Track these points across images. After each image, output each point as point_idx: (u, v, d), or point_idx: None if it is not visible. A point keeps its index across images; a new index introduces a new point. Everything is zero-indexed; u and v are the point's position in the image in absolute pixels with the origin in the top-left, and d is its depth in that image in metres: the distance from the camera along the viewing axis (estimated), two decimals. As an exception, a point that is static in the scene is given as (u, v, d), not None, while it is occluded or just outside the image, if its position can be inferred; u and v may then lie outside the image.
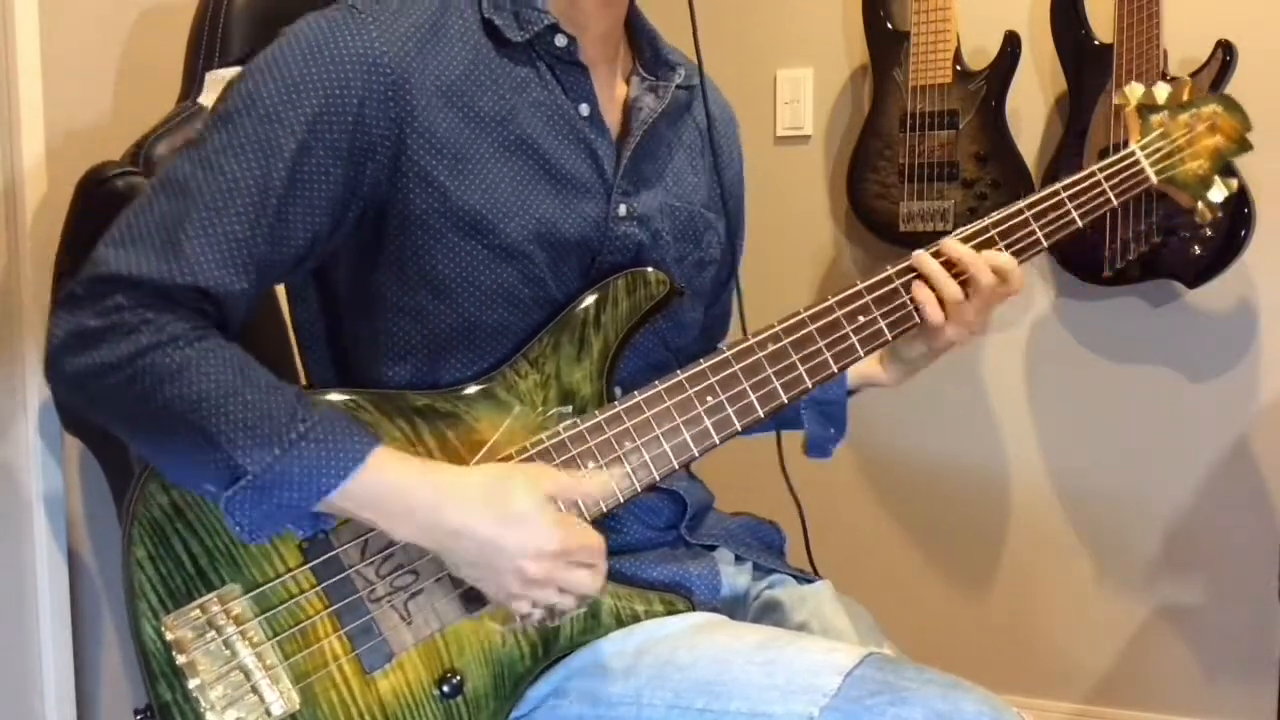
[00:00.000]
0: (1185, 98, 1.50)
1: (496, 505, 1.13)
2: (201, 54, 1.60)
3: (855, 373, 1.52)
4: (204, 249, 1.14)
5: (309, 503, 1.11)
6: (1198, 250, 2.43)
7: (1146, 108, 1.50)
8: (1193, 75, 2.35)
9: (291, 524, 1.14)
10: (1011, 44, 2.59)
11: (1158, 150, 1.48)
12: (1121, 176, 1.45)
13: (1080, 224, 1.43)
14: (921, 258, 1.35)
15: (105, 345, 1.12)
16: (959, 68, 2.62)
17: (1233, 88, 2.32)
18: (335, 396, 1.22)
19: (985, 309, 1.38)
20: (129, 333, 1.11)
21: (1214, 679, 2.65)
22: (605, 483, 1.21)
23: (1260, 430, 2.58)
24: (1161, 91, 1.50)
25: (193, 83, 1.61)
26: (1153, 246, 2.44)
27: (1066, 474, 2.76)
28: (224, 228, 1.15)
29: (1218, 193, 1.51)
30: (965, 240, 1.37)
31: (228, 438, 1.09)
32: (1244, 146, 1.52)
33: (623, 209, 1.32)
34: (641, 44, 1.40)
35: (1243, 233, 2.40)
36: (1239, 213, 2.38)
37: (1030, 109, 2.69)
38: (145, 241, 1.14)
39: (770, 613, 1.41)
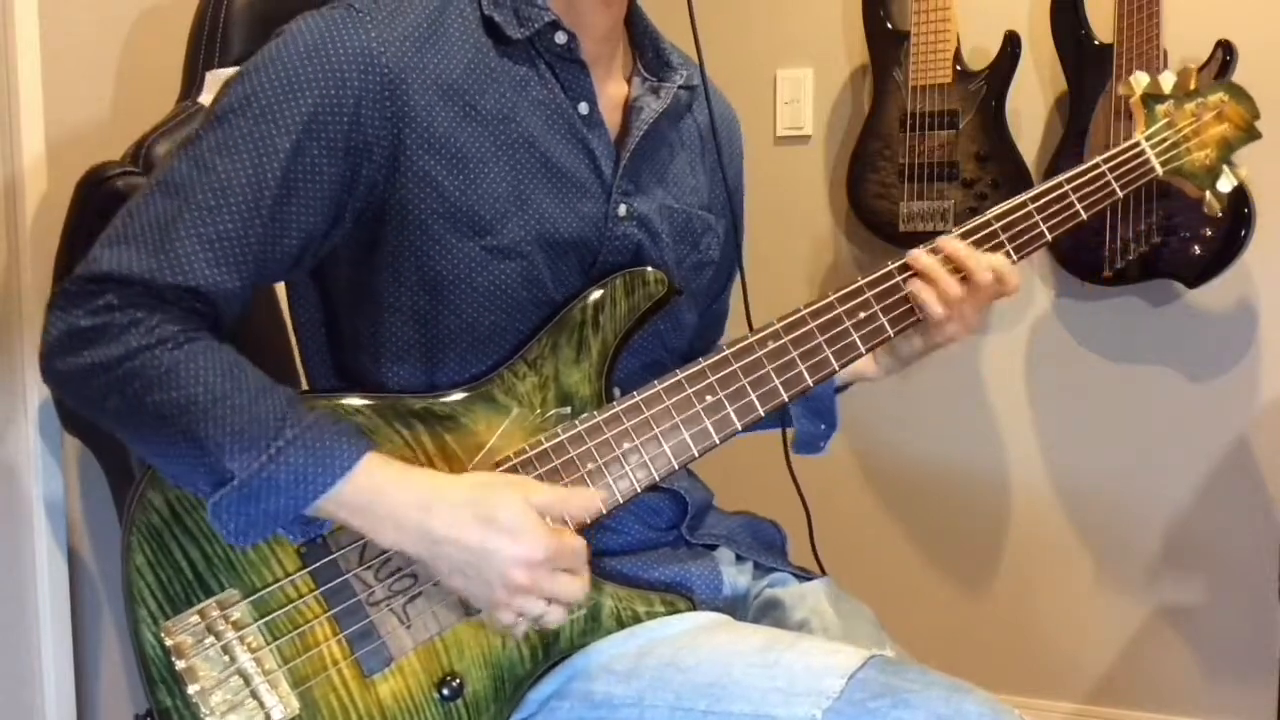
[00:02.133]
0: (1191, 86, 1.49)
1: (483, 514, 1.13)
2: (201, 54, 1.60)
3: (845, 371, 1.52)
4: (196, 248, 1.14)
5: (295, 509, 1.12)
6: (1198, 250, 2.43)
7: (1152, 97, 1.47)
8: (1196, 70, 2.35)
9: (281, 529, 1.14)
10: (1011, 44, 2.59)
11: (1163, 140, 1.46)
12: (1126, 167, 1.44)
13: (1084, 216, 1.41)
14: (917, 256, 1.35)
15: (95, 346, 1.12)
16: (959, 68, 2.62)
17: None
18: (333, 401, 1.22)
19: (984, 305, 1.38)
20: (119, 334, 1.12)
21: (1214, 679, 2.65)
22: (591, 498, 1.21)
23: (1260, 430, 2.58)
24: (1167, 80, 1.48)
25: (193, 83, 1.61)
26: (1153, 246, 2.44)
27: (1066, 474, 2.76)
28: (217, 227, 1.15)
29: (1226, 183, 1.49)
30: (968, 234, 1.36)
31: (215, 442, 1.09)
32: (1252, 135, 1.50)
33: (622, 209, 1.32)
34: (643, 44, 1.40)
35: (1243, 233, 2.40)
36: (1239, 212, 2.38)
37: (1030, 109, 2.69)
38: (138, 240, 1.15)
39: (770, 611, 1.41)
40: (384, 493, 1.13)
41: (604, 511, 1.22)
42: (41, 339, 1.16)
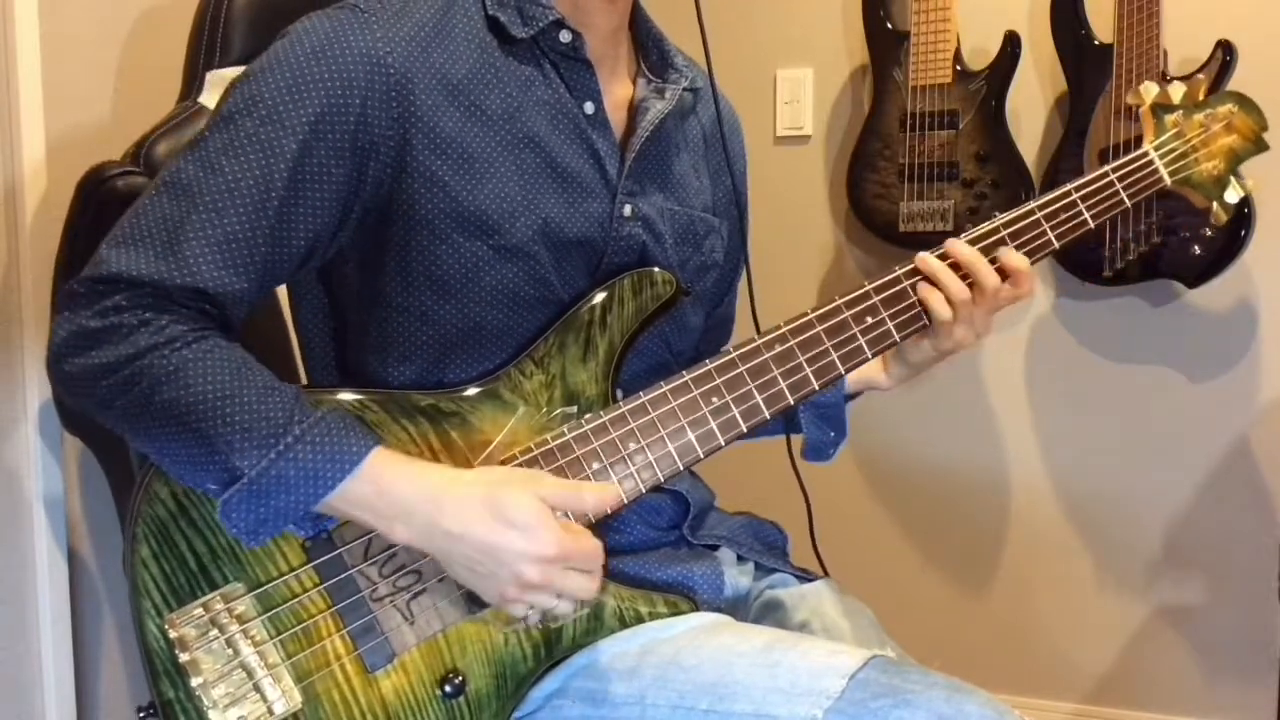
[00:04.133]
0: (1201, 96, 1.49)
1: (494, 510, 1.12)
2: (201, 54, 1.60)
3: (854, 376, 1.50)
4: (204, 250, 1.14)
5: (306, 505, 1.11)
6: (1198, 250, 2.43)
7: (1161, 107, 1.48)
8: (1192, 75, 2.35)
9: (292, 525, 1.14)
10: (1011, 44, 2.59)
11: (1172, 150, 1.46)
12: (1135, 177, 1.44)
13: (1092, 225, 1.41)
14: (926, 259, 1.35)
15: (104, 346, 1.12)
16: (959, 68, 2.62)
17: (1232, 88, 2.32)
18: (340, 396, 1.22)
19: (992, 310, 1.38)
20: (128, 334, 1.12)
21: (1214, 679, 2.65)
22: (604, 493, 1.20)
23: (1260, 430, 2.58)
24: (1177, 91, 1.48)
25: (193, 83, 1.61)
26: (1153, 246, 2.44)
27: (1066, 474, 2.76)
28: (225, 229, 1.15)
29: (1233, 194, 1.50)
30: (976, 240, 1.36)
31: (225, 440, 1.09)
32: (1260, 146, 1.50)
33: (627, 209, 1.32)
34: (647, 45, 1.40)
35: (1243, 233, 2.40)
36: (1239, 213, 2.38)
37: (1030, 109, 2.69)
38: (146, 242, 1.14)
39: (771, 612, 1.41)
40: (394, 488, 1.13)
41: (625, 502, 1.22)
42: (49, 341, 1.16)
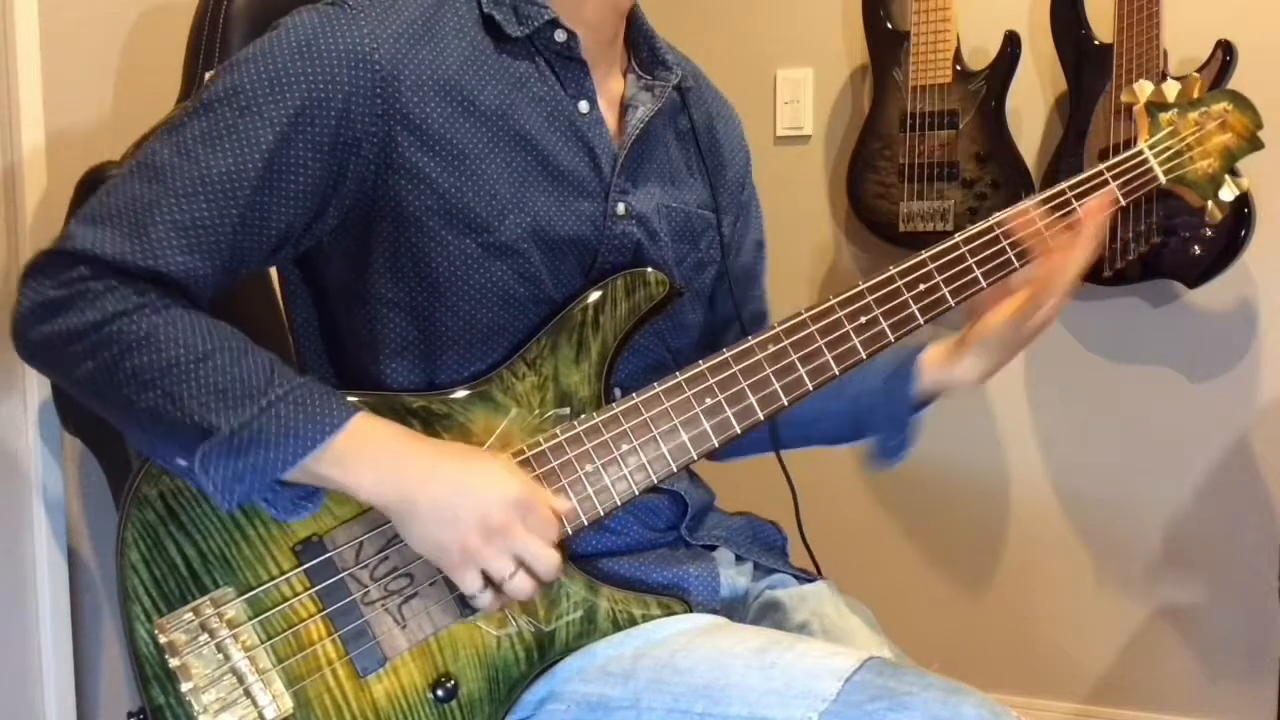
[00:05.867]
0: (1195, 95, 1.48)
1: (464, 453, 1.16)
2: (201, 54, 1.60)
3: (929, 377, 1.48)
4: (169, 234, 1.14)
5: (284, 463, 1.11)
6: (1198, 250, 2.43)
7: (1156, 105, 1.47)
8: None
9: (266, 498, 1.14)
10: (1011, 44, 2.58)
11: (1167, 149, 1.46)
12: (1129, 175, 1.43)
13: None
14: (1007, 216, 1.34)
15: (69, 313, 1.12)
16: (959, 68, 2.61)
17: (1232, 88, 2.32)
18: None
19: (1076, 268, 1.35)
20: (94, 299, 1.12)
21: (1214, 679, 2.65)
22: (569, 505, 1.21)
23: (1260, 430, 2.58)
24: (1171, 89, 1.48)
25: (193, 83, 1.61)
26: (1153, 246, 2.44)
27: (1066, 474, 2.76)
28: (192, 214, 1.15)
29: (1228, 192, 1.49)
30: (969, 240, 1.35)
31: (200, 401, 1.09)
32: (1255, 145, 1.50)
33: (621, 207, 1.32)
34: (638, 42, 1.40)
35: (1243, 233, 2.40)
36: (1239, 213, 2.38)
37: (1030, 109, 2.69)
38: (114, 221, 1.15)
39: (770, 613, 1.41)
40: (367, 447, 1.13)
41: (584, 522, 1.22)
42: (14, 311, 1.16)
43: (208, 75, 1.56)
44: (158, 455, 1.16)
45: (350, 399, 1.21)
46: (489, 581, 1.16)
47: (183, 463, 1.12)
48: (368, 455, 1.13)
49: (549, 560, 1.16)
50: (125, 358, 1.11)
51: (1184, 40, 2.42)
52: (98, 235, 1.14)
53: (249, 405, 1.10)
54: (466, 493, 1.13)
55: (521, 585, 1.16)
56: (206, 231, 1.16)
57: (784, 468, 1.51)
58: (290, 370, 1.14)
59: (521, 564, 1.15)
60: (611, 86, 1.37)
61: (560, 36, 1.29)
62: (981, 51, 2.64)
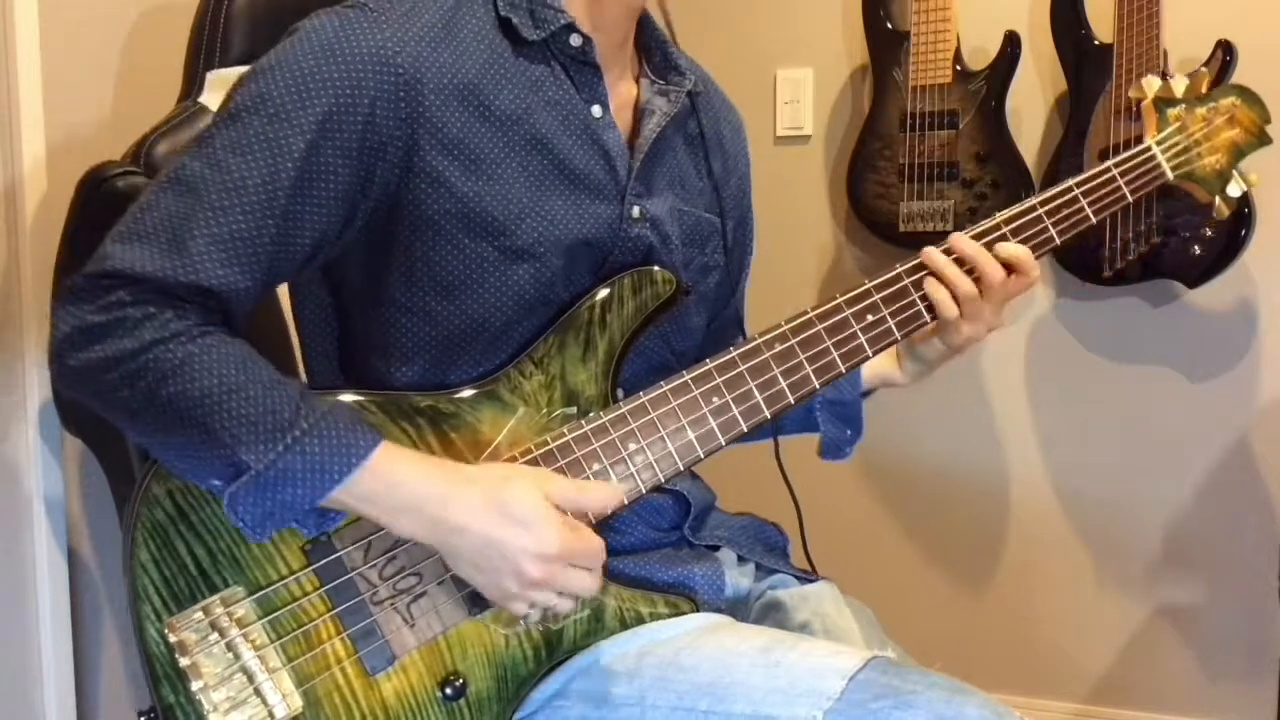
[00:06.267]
0: (1203, 90, 1.48)
1: (499, 506, 1.13)
2: (201, 54, 1.59)
3: (870, 372, 1.52)
4: (209, 248, 1.14)
5: (313, 498, 1.11)
6: (1198, 250, 2.43)
7: (1163, 101, 1.47)
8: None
9: (296, 521, 1.14)
10: (1011, 44, 2.59)
11: (1174, 145, 1.46)
12: (1137, 171, 1.44)
13: (1094, 220, 1.41)
14: (932, 254, 1.34)
15: (109, 340, 1.11)
16: (959, 68, 2.62)
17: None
18: (339, 398, 1.22)
19: (1001, 303, 1.38)
20: (133, 327, 1.11)
21: (1214, 679, 2.65)
22: (607, 492, 1.21)
23: (1260, 430, 2.58)
24: (1179, 84, 1.47)
25: (193, 83, 1.61)
26: (1153, 246, 2.44)
27: (1066, 474, 2.77)
28: (229, 227, 1.14)
29: (1235, 188, 1.49)
30: (979, 236, 1.36)
31: (231, 434, 1.09)
32: (1263, 140, 1.50)
33: (636, 211, 1.32)
34: (650, 46, 1.40)
35: (1243, 233, 2.40)
36: (1239, 213, 2.38)
37: (1030, 109, 2.69)
38: (151, 239, 1.14)
39: (772, 613, 1.41)
40: (400, 483, 1.13)
41: (625, 503, 1.22)
42: (50, 335, 1.15)
43: (210, 76, 1.57)
44: (194, 479, 1.16)
45: (358, 399, 1.22)
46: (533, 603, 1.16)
47: (217, 483, 1.12)
48: (400, 494, 1.13)
49: (590, 588, 1.17)
50: (160, 386, 1.10)
51: (1184, 40, 2.42)
52: (136, 254, 1.13)
53: (277, 440, 1.09)
54: (502, 550, 1.12)
55: (563, 608, 1.17)
56: (245, 244, 1.15)
57: (787, 480, 1.52)
58: (315, 401, 1.14)
59: (564, 593, 1.16)
60: (623, 91, 1.38)
61: (576, 41, 1.29)
62: (981, 51, 2.64)
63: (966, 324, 1.36)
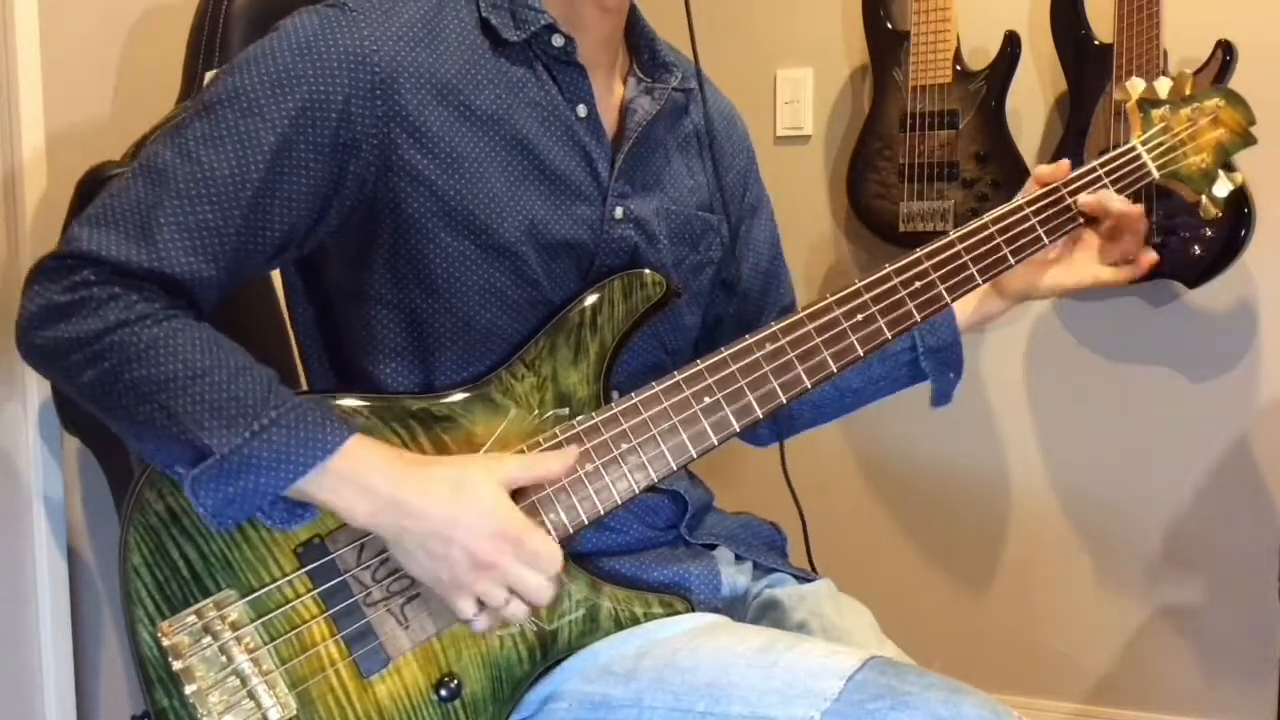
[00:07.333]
0: (1188, 91, 1.49)
1: (456, 486, 1.13)
2: (201, 54, 1.60)
3: (968, 310, 1.53)
4: (175, 236, 1.14)
5: (275, 488, 1.11)
6: (1198, 250, 2.42)
7: (1148, 102, 1.48)
8: (1193, 75, 2.35)
9: (261, 512, 1.13)
10: (1011, 44, 2.59)
11: (1159, 145, 1.47)
12: (1122, 171, 1.45)
13: (1082, 220, 1.43)
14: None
15: (73, 320, 1.12)
16: (959, 68, 2.62)
17: (1232, 87, 2.32)
18: (330, 400, 1.22)
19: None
20: (97, 308, 1.12)
21: (1214, 679, 2.65)
22: (558, 458, 1.20)
23: (1260, 430, 2.58)
24: (1163, 86, 1.49)
25: (193, 83, 1.61)
26: (1152, 246, 2.43)
27: (1066, 474, 2.76)
28: (196, 216, 1.15)
29: (1222, 187, 1.50)
30: (965, 238, 1.36)
31: (194, 419, 1.09)
32: (1247, 140, 1.51)
33: (619, 211, 1.32)
34: (639, 45, 1.40)
35: (1243, 233, 2.39)
36: (1239, 213, 2.38)
37: (1030, 109, 2.69)
38: (118, 224, 1.15)
39: (770, 612, 1.41)
40: (359, 472, 1.13)
41: (573, 466, 1.21)
42: (19, 314, 1.16)
43: (209, 76, 1.58)
44: (159, 464, 1.16)
45: (350, 403, 1.22)
46: (483, 605, 1.16)
47: (180, 471, 1.12)
48: (360, 483, 1.13)
49: (540, 590, 1.15)
50: (125, 369, 1.11)
51: (1184, 40, 2.42)
52: (102, 237, 1.14)
53: (242, 427, 1.09)
54: (455, 527, 1.12)
55: (515, 612, 1.16)
56: (210, 234, 1.16)
57: (792, 491, 1.53)
58: (287, 389, 1.14)
59: (513, 592, 1.15)
60: (612, 90, 1.37)
61: (558, 41, 1.29)
62: (981, 51, 2.64)
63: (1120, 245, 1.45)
